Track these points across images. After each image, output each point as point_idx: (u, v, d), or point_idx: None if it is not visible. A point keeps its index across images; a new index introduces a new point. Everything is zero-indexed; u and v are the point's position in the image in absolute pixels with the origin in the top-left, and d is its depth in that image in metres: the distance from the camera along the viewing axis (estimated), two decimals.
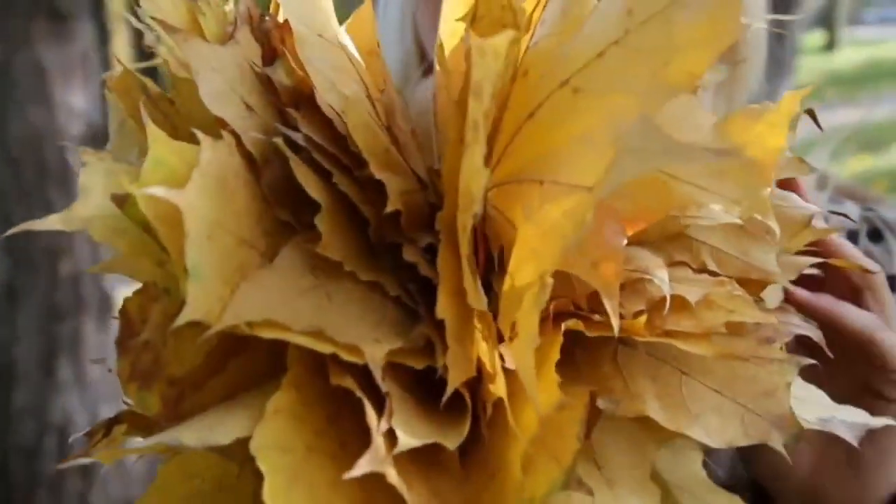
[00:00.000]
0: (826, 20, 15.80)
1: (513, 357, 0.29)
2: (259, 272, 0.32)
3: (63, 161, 1.88)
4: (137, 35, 0.38)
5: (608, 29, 0.32)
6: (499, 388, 0.30)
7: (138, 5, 0.34)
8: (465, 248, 0.31)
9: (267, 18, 0.38)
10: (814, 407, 0.35)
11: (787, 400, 0.32)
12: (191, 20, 0.36)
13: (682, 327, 0.32)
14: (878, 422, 0.36)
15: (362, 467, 0.28)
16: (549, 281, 0.29)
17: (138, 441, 0.32)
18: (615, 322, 0.28)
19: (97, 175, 0.32)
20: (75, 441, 0.38)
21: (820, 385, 0.40)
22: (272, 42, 0.37)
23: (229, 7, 0.37)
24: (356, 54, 0.40)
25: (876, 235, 0.64)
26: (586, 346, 0.34)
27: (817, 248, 0.39)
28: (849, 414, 0.35)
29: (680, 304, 0.33)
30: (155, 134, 0.32)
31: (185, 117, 0.35)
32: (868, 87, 9.97)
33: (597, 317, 0.33)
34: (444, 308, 0.31)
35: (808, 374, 0.38)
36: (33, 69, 1.81)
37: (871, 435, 0.40)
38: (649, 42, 0.30)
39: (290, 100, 0.36)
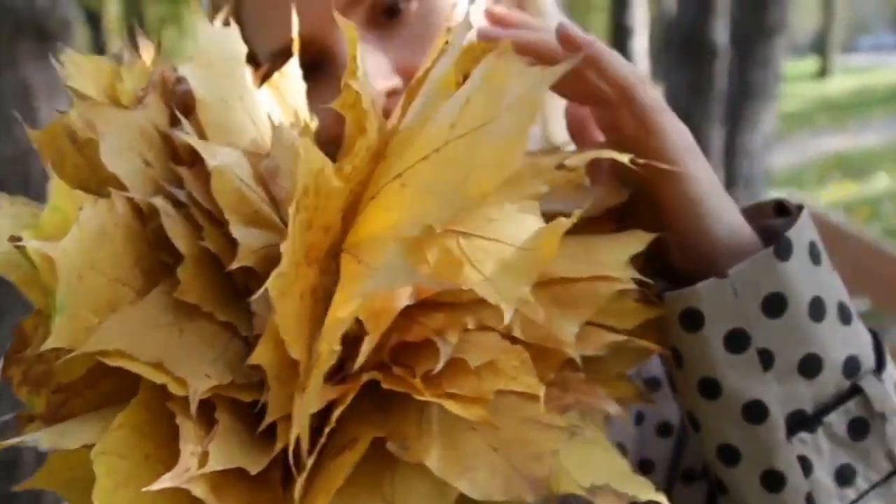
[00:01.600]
0: (819, 47, 15.70)
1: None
2: (126, 307, 0.38)
3: (48, 180, 1.88)
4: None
5: (437, 135, 0.37)
6: (294, 428, 0.36)
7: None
8: (288, 304, 0.37)
9: (182, 83, 0.44)
10: (597, 474, 0.39)
11: (549, 466, 0.36)
12: (109, 84, 0.42)
13: (462, 390, 0.37)
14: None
15: (164, 482, 0.34)
16: (337, 348, 0.35)
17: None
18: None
19: (5, 218, 0.39)
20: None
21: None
22: (183, 105, 0.44)
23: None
24: (266, 116, 0.46)
25: None
26: (401, 398, 0.39)
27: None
28: (628, 484, 0.39)
29: (462, 367, 0.37)
30: (57, 184, 0.39)
31: (95, 168, 0.42)
32: (857, 114, 9.88)
33: (396, 370, 0.38)
34: (260, 354, 0.37)
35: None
36: (20, 88, 1.83)
37: (677, 187, 0.46)
38: (459, 155, 0.35)
39: (188, 157, 0.42)
